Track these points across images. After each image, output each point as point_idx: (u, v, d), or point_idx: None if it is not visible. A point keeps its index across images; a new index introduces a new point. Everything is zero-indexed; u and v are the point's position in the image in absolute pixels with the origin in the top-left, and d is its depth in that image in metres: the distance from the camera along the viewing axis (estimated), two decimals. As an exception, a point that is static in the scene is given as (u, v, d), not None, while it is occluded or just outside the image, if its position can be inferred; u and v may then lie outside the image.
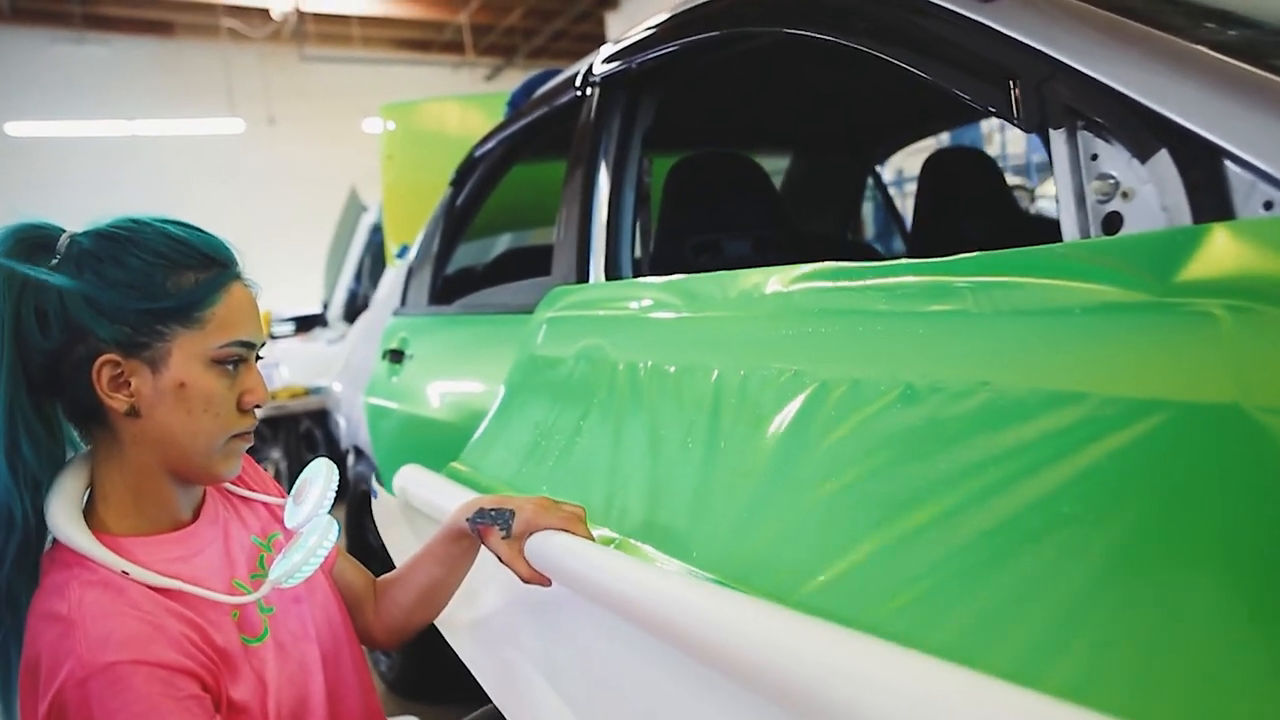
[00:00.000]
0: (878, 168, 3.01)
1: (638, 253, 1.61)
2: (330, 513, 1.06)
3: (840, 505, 0.84)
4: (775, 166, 2.96)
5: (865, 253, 2.69)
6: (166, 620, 0.85)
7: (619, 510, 1.13)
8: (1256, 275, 0.64)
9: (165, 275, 0.88)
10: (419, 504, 1.62)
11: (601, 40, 11.99)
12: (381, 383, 2.38)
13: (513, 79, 12.50)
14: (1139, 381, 0.68)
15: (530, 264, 2.28)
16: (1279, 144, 0.67)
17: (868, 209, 5.61)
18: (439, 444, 1.98)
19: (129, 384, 0.88)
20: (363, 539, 2.71)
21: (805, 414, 0.92)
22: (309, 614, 1.03)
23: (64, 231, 0.91)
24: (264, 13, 10.44)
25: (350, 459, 2.79)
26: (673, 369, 1.13)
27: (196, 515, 0.99)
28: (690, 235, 1.81)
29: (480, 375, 1.86)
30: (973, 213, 2.06)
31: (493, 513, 1.06)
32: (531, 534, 1.04)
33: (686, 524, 1.01)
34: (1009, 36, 0.88)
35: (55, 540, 0.89)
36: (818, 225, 2.84)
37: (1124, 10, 0.83)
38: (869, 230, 5.94)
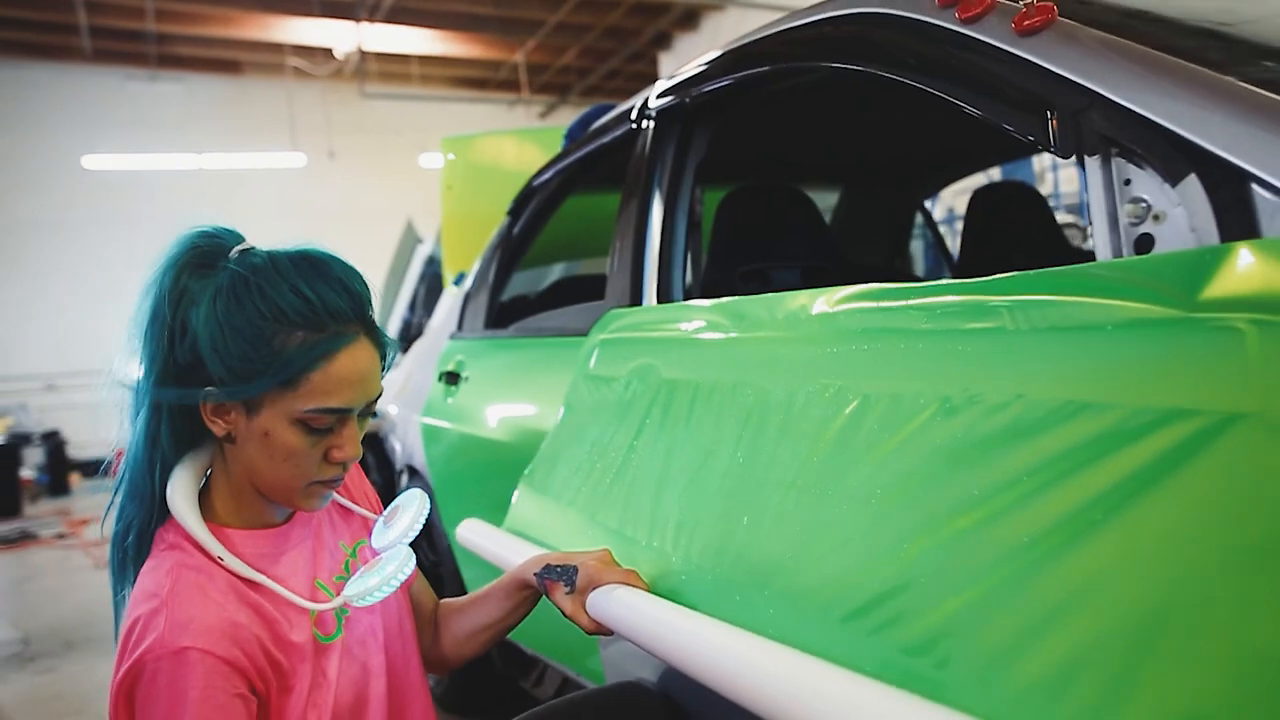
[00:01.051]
0: (927, 204, 3.05)
1: (689, 280, 1.67)
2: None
3: (885, 515, 0.88)
4: (828, 202, 3.01)
5: (904, 279, 2.71)
6: (243, 616, 0.92)
7: (669, 523, 1.17)
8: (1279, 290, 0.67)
9: (274, 331, 0.90)
10: (488, 558, 1.62)
11: (654, 80, 12.15)
12: (438, 404, 2.46)
13: (566, 116, 12.74)
14: (1166, 392, 0.71)
15: (583, 291, 2.35)
16: (1304, 168, 0.71)
17: (918, 245, 5.61)
18: (492, 463, 2.04)
19: (228, 416, 0.94)
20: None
21: (849, 428, 0.97)
22: (380, 622, 1.09)
23: (238, 241, 0.96)
24: (328, 52, 10.81)
25: (404, 479, 2.86)
26: (721, 386, 1.18)
27: (291, 518, 1.05)
28: (739, 264, 1.86)
29: (534, 396, 1.92)
30: (1018, 247, 2.09)
31: (559, 569, 1.10)
32: (594, 589, 1.07)
33: (734, 535, 1.05)
34: (1047, 70, 0.92)
35: (169, 518, 0.97)
36: (867, 258, 2.88)
37: (1157, 44, 0.88)
38: (920, 266, 5.95)
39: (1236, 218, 0.74)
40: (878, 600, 0.83)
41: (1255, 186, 0.73)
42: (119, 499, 1.00)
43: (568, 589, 1.09)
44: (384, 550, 1.09)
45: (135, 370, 0.97)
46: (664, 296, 1.58)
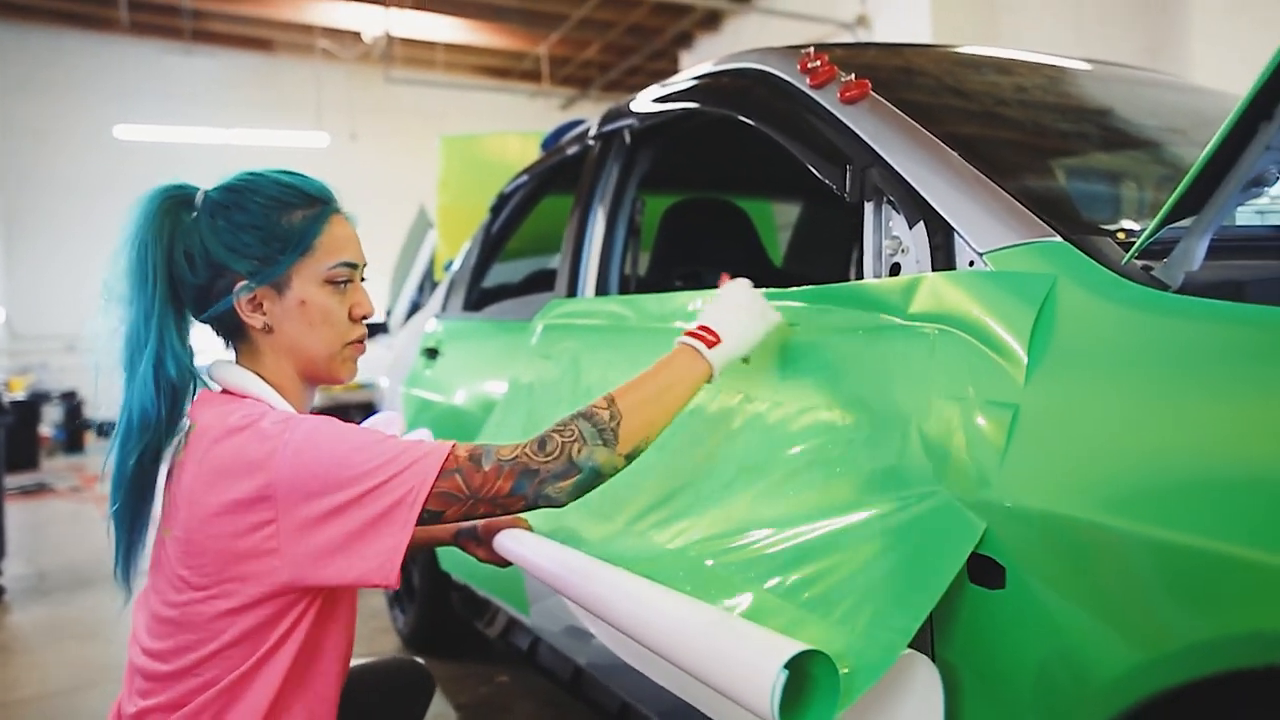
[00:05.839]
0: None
1: (630, 278, 1.95)
2: None
3: (683, 464, 1.18)
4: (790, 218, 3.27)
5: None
6: None
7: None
8: (952, 309, 0.96)
9: (279, 215, 1.07)
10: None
11: (673, 77, 12.39)
12: (419, 376, 2.75)
13: (586, 109, 13.01)
14: (888, 378, 1.00)
15: (551, 281, 2.63)
16: (978, 225, 0.99)
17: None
18: (460, 429, 2.34)
19: (262, 306, 1.08)
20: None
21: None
22: None
23: (199, 189, 1.11)
24: (356, 35, 11.13)
25: (390, 444, 3.16)
26: (615, 363, 1.48)
27: None
28: (677, 266, 2.15)
29: (494, 371, 2.21)
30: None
31: (466, 529, 1.35)
32: (493, 534, 1.30)
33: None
34: (854, 132, 1.20)
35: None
36: (819, 269, 3.14)
37: (930, 120, 1.16)
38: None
39: (943, 255, 1.02)
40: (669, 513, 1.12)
41: (955, 234, 1.02)
42: (128, 422, 1.07)
43: (476, 542, 1.34)
44: None
45: (122, 317, 1.07)
46: (601, 289, 1.86)
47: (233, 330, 1.11)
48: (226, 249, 1.06)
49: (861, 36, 8.02)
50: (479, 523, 1.33)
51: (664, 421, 1.06)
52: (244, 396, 1.08)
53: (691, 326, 1.13)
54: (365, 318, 1.13)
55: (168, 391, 1.06)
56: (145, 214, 1.07)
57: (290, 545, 0.97)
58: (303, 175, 1.12)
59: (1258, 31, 5.72)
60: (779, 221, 3.58)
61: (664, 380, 1.07)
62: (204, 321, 1.12)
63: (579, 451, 1.00)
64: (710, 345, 1.09)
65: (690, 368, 1.09)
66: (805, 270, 3.06)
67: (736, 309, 1.12)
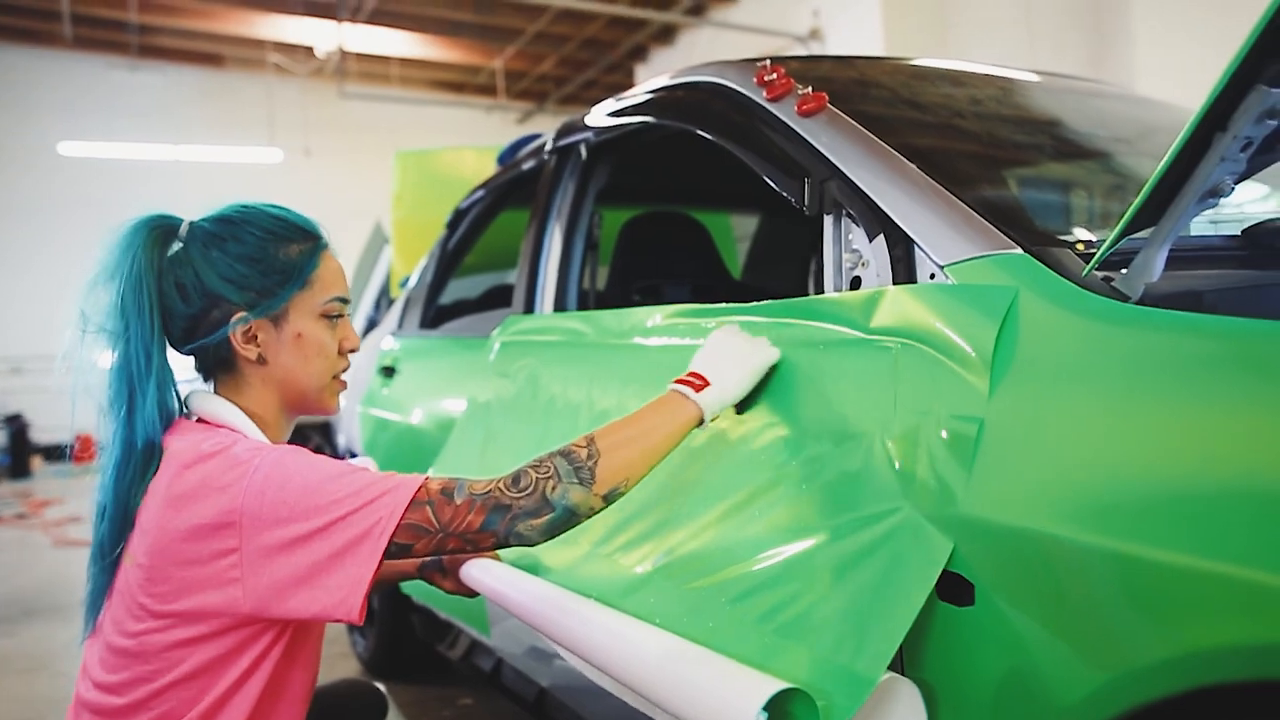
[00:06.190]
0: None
1: (588, 292, 1.93)
2: None
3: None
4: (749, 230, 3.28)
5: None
6: None
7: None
8: (914, 323, 0.95)
9: (276, 249, 1.08)
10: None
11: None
12: (376, 395, 2.71)
13: (543, 122, 12.99)
14: (851, 393, 0.99)
15: (509, 297, 2.61)
16: (939, 237, 0.99)
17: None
18: (417, 449, 2.29)
19: (257, 337, 1.08)
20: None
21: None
22: None
23: (183, 220, 1.10)
24: (309, 50, 11.01)
25: (347, 464, 3.10)
26: (573, 379, 1.45)
27: None
28: (636, 280, 2.13)
29: (451, 389, 2.18)
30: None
31: (431, 562, 1.33)
32: (459, 565, 1.30)
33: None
34: (811, 145, 1.20)
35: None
36: (779, 283, 3.15)
37: (887, 132, 1.16)
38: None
39: (903, 268, 1.02)
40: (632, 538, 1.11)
41: (915, 247, 1.01)
42: (127, 453, 1.03)
43: (442, 574, 1.34)
44: None
45: (109, 355, 1.06)
46: (559, 305, 1.84)
47: (220, 361, 1.11)
48: (223, 280, 1.07)
49: (815, 49, 8.11)
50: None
51: (646, 464, 1.03)
52: (219, 426, 1.07)
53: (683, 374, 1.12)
54: (353, 351, 1.16)
55: (167, 421, 1.06)
56: (131, 245, 1.06)
57: (253, 574, 0.95)
58: (292, 210, 1.14)
59: (1194, 46, 5.89)
60: (737, 233, 3.59)
61: (648, 423, 1.05)
62: (187, 352, 1.11)
63: (553, 489, 0.98)
64: (698, 390, 1.07)
65: (676, 411, 1.06)
66: (764, 282, 3.06)
67: (724, 353, 1.11)
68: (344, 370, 1.16)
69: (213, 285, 1.07)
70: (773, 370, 1.10)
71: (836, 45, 7.92)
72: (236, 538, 0.95)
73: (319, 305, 1.11)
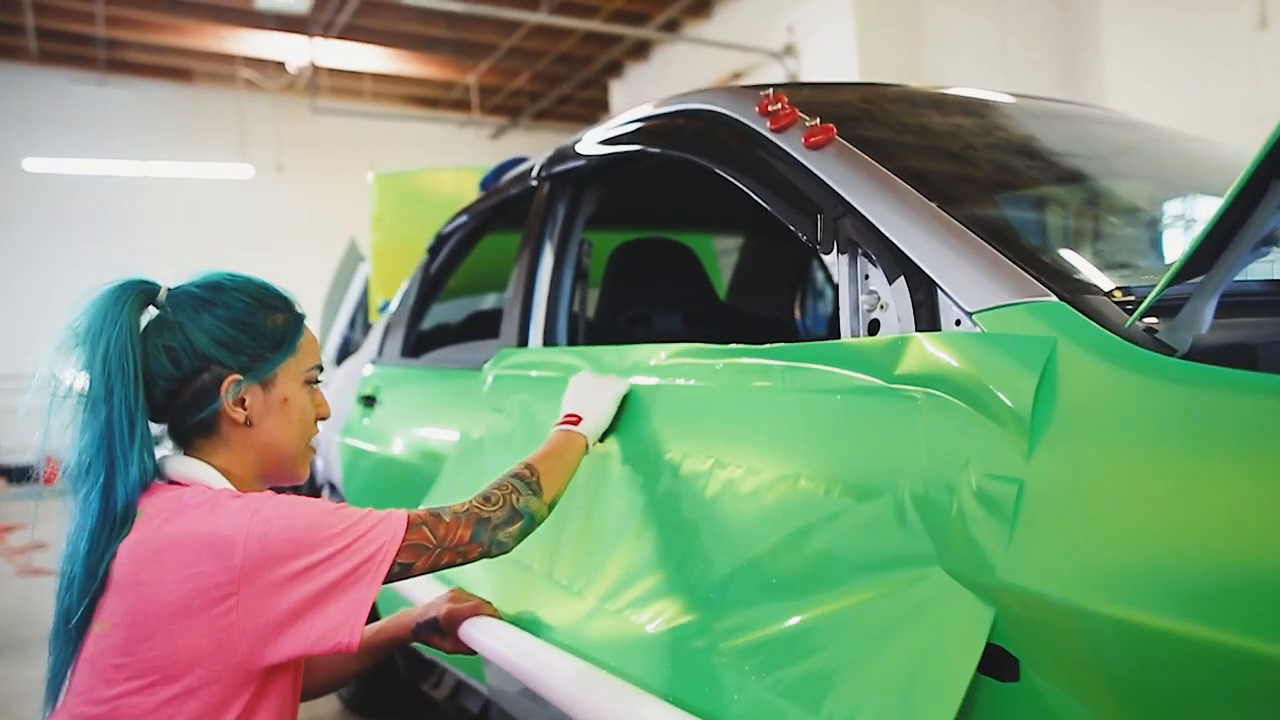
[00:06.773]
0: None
1: (579, 323, 1.87)
2: None
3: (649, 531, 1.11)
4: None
5: (778, 327, 2.81)
6: None
7: (536, 545, 1.37)
8: (943, 373, 0.90)
9: (265, 315, 1.12)
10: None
11: (605, 106, 12.47)
12: (355, 425, 2.63)
13: (517, 138, 12.94)
14: (873, 445, 0.94)
15: (493, 325, 2.55)
16: (966, 282, 0.94)
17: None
18: (400, 483, 2.22)
19: (244, 402, 1.10)
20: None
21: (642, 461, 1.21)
22: None
23: (159, 285, 1.12)
24: (280, 65, 10.88)
25: (325, 494, 3.02)
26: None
27: None
28: (626, 309, 2.08)
29: (437, 421, 2.11)
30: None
31: (426, 625, 1.32)
32: (457, 625, 1.29)
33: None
34: (822, 180, 1.15)
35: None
36: (764, 305, 3.11)
37: (902, 167, 1.11)
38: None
39: (926, 312, 0.97)
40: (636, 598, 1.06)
41: (939, 291, 0.96)
42: (105, 517, 1.02)
43: (440, 635, 1.32)
44: None
45: (106, 412, 1.04)
46: (549, 337, 1.78)
47: (200, 425, 1.11)
48: (215, 343, 1.09)
49: (789, 65, 8.12)
50: (439, 614, 1.31)
51: (565, 482, 1.25)
52: (192, 485, 1.08)
53: (559, 418, 1.34)
54: (323, 419, 1.20)
55: (145, 485, 1.06)
56: (113, 310, 1.06)
57: (250, 615, 0.98)
58: (268, 281, 1.18)
59: (1164, 63, 5.96)
60: (718, 246, 3.53)
61: (556, 451, 1.27)
62: (164, 417, 1.12)
63: (519, 500, 1.15)
64: (576, 424, 1.31)
65: (569, 443, 1.29)
66: (749, 303, 3.02)
67: (586, 393, 1.35)
68: (316, 436, 1.20)
69: (204, 348, 1.09)
70: (787, 414, 1.06)
71: (811, 61, 7.94)
72: (234, 582, 0.97)
73: (303, 371, 1.16)
